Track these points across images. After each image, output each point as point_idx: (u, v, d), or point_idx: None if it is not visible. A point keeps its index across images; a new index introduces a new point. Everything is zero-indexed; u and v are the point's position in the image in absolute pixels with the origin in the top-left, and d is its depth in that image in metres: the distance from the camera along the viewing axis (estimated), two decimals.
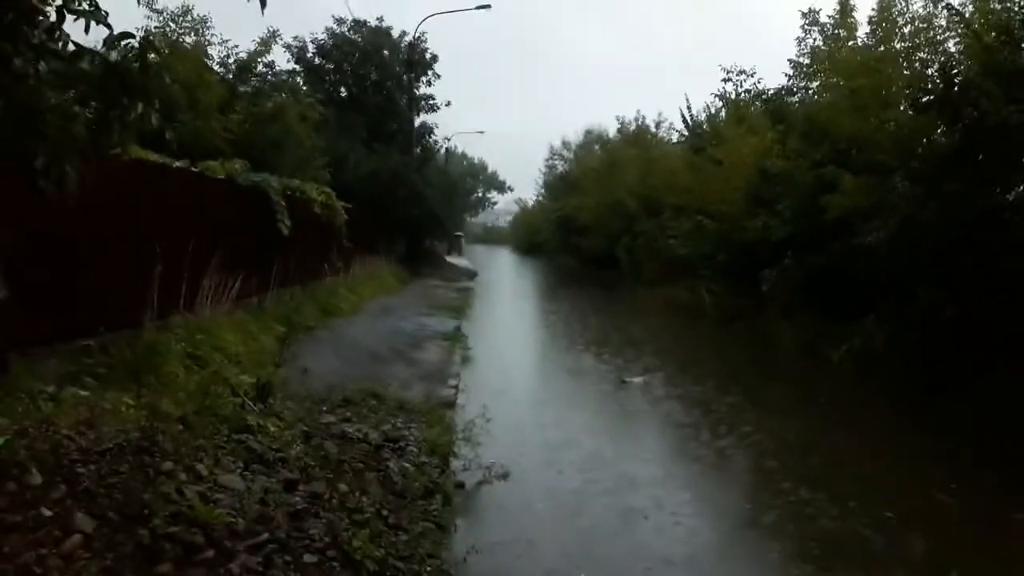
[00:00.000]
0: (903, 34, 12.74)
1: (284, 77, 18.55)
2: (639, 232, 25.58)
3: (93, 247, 6.27)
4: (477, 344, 12.54)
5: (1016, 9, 9.69)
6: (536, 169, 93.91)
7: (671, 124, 31.74)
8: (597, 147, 44.39)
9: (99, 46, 3.34)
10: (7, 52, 2.96)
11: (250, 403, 5.58)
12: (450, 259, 33.13)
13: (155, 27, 12.77)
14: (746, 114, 18.78)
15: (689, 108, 26.09)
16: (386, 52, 27.84)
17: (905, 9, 12.74)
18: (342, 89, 27.16)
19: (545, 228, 51.67)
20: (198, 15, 13.43)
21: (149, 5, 12.67)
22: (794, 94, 16.96)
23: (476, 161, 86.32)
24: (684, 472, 6.90)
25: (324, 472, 4.90)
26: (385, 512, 4.59)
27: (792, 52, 15.96)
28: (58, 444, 3.85)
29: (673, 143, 28.84)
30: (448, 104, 29.68)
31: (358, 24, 27.34)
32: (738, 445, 7.61)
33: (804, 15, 15.06)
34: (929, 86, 10.62)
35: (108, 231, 6.49)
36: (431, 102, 29.11)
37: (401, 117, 27.93)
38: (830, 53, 14.52)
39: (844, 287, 11.94)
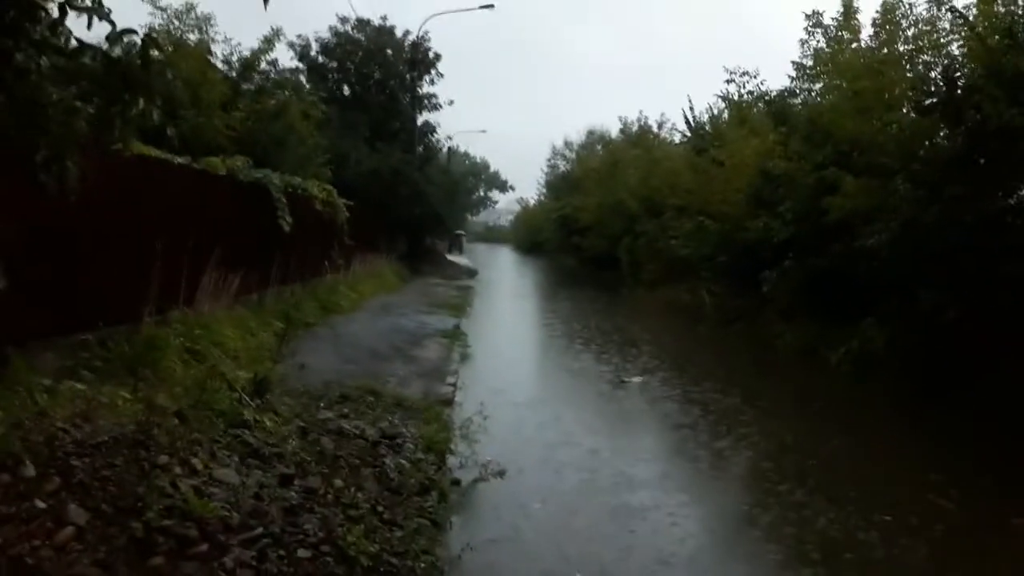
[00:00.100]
0: (906, 37, 12.67)
1: (287, 75, 18.57)
2: (640, 232, 25.52)
3: (93, 242, 6.27)
4: (476, 342, 12.53)
5: (1020, 12, 9.65)
6: (537, 169, 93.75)
7: (673, 125, 31.71)
8: (599, 147, 44.39)
9: (101, 42, 3.34)
10: (9, 48, 2.95)
11: (247, 398, 5.59)
12: (451, 257, 33.07)
13: (159, 24, 12.81)
14: (748, 115, 18.74)
15: (691, 109, 26.08)
16: (389, 51, 27.92)
17: (908, 12, 12.70)
18: (345, 87, 27.26)
19: (546, 228, 51.57)
20: (201, 13, 13.46)
21: (152, 2, 12.71)
22: (797, 96, 16.92)
23: (478, 160, 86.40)
24: (682, 472, 6.89)
25: (320, 467, 4.91)
26: (380, 508, 4.58)
27: (795, 53, 15.93)
28: (53, 436, 3.86)
29: (675, 144, 28.81)
30: (451, 103, 29.83)
31: (362, 23, 27.46)
32: (736, 446, 7.60)
33: (807, 17, 15.02)
34: (932, 89, 10.57)
35: (108, 226, 6.49)
36: (434, 101, 29.23)
37: (404, 116, 27.99)
38: (833, 55, 14.47)
39: (845, 289, 11.90)
